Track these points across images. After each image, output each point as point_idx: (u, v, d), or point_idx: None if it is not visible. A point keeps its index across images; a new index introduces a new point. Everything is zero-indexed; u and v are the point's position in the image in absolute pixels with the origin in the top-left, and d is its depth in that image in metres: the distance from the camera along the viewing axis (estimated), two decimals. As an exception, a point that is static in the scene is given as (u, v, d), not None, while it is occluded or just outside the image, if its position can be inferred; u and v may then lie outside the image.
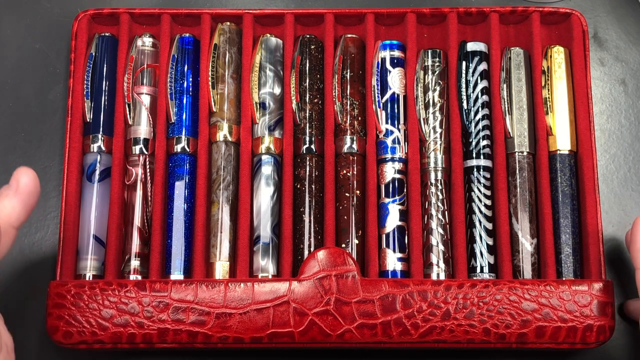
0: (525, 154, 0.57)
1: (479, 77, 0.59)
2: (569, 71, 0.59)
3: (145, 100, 0.58)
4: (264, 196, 0.57)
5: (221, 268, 0.55)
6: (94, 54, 0.59)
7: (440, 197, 0.57)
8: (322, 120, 0.59)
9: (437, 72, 0.59)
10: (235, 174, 0.57)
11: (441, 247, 0.56)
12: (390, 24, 0.61)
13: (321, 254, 0.53)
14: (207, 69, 0.58)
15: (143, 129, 0.58)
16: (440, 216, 0.57)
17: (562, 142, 0.57)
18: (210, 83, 0.58)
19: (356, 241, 0.56)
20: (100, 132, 0.57)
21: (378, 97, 0.58)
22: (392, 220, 0.57)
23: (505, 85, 0.59)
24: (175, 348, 0.53)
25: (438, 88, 0.59)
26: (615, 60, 0.63)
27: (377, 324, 0.52)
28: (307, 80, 0.59)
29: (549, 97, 0.58)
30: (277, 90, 0.59)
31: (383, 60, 0.59)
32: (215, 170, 0.57)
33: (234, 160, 0.58)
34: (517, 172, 0.57)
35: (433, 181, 0.57)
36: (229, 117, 0.58)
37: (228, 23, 0.60)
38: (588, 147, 0.57)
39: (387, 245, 0.56)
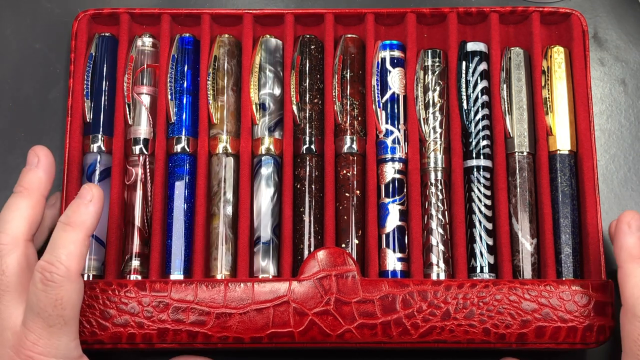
0: (525, 154, 0.57)
1: (479, 77, 0.59)
2: (569, 71, 0.59)
3: (145, 100, 0.58)
4: (264, 197, 0.57)
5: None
6: (94, 54, 0.59)
7: (440, 197, 0.57)
8: (322, 121, 0.59)
9: (437, 72, 0.59)
10: (235, 187, 0.57)
11: (441, 247, 0.56)
12: (390, 24, 0.61)
13: (321, 254, 0.53)
14: (205, 81, 0.58)
15: (143, 129, 0.58)
16: (440, 216, 0.57)
17: (562, 142, 0.57)
18: (211, 95, 0.58)
19: (356, 241, 0.56)
20: (100, 132, 0.58)
21: (378, 97, 0.58)
22: (392, 220, 0.57)
23: (505, 85, 0.59)
24: (175, 348, 0.53)
25: (438, 88, 0.59)
26: (615, 60, 0.63)
27: (377, 324, 0.52)
28: (307, 81, 0.59)
29: (549, 97, 0.58)
30: (277, 91, 0.59)
31: (383, 60, 0.59)
32: (217, 183, 0.57)
33: (234, 173, 0.58)
34: (517, 172, 0.57)
35: (433, 181, 0.57)
36: (229, 130, 0.58)
37: (227, 35, 0.60)
38: (588, 147, 0.57)
39: (387, 245, 0.56)
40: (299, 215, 0.57)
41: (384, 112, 0.59)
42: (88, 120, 0.58)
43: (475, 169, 0.58)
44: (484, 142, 0.58)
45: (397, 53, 0.60)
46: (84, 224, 0.49)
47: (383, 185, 0.58)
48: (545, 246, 0.55)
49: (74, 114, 0.57)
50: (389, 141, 0.58)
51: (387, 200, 0.57)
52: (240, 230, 0.56)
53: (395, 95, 0.59)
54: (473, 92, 0.59)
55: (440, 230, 0.57)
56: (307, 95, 0.59)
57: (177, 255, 0.56)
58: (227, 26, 0.61)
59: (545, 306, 0.52)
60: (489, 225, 0.57)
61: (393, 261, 0.56)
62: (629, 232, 0.49)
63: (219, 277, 0.55)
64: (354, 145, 0.58)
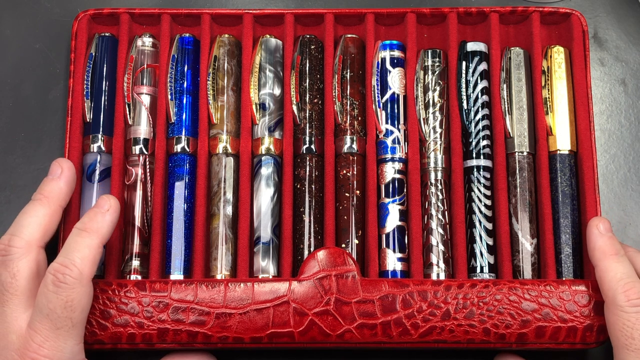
0: (525, 154, 0.57)
1: (479, 77, 0.59)
2: (569, 71, 0.59)
3: (145, 100, 0.58)
4: (264, 197, 0.57)
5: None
6: (94, 54, 0.59)
7: (440, 197, 0.57)
8: (322, 120, 0.59)
9: (437, 72, 0.59)
10: (235, 187, 0.57)
11: (441, 247, 0.56)
12: (390, 24, 0.61)
13: (321, 254, 0.53)
14: (205, 81, 0.58)
15: (143, 129, 0.58)
16: (440, 216, 0.57)
17: (562, 142, 0.57)
18: (211, 95, 0.58)
19: (356, 241, 0.56)
20: (100, 132, 0.58)
21: (378, 97, 0.58)
22: (392, 220, 0.57)
23: (505, 85, 0.59)
24: (175, 348, 0.53)
25: (438, 88, 0.59)
26: (615, 60, 0.63)
27: (377, 324, 0.52)
28: (307, 81, 0.59)
29: (549, 97, 0.58)
30: (277, 91, 0.59)
31: (383, 60, 0.59)
32: (217, 183, 0.57)
33: (234, 173, 0.58)
34: (517, 172, 0.57)
35: (433, 181, 0.57)
36: (229, 130, 0.58)
37: (227, 35, 0.60)
38: (588, 147, 0.57)
39: (387, 245, 0.56)
40: (299, 215, 0.57)
41: (384, 112, 0.59)
42: (88, 120, 0.58)
43: (475, 169, 0.58)
44: (484, 142, 0.58)
45: (397, 53, 0.60)
46: (99, 231, 0.50)
47: (383, 185, 0.58)
48: (545, 246, 0.55)
49: (74, 114, 0.57)
50: (389, 141, 0.58)
51: (387, 200, 0.57)
52: (240, 230, 0.56)
53: (395, 95, 0.59)
54: (473, 92, 0.59)
55: (440, 230, 0.57)
56: (307, 95, 0.59)
57: (177, 255, 0.56)
58: (227, 26, 0.61)
59: (545, 306, 0.52)
60: (489, 225, 0.57)
61: (393, 261, 0.56)
62: (599, 234, 0.53)
63: (219, 277, 0.55)
64: (354, 145, 0.58)
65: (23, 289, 0.49)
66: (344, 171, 0.58)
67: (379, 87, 0.59)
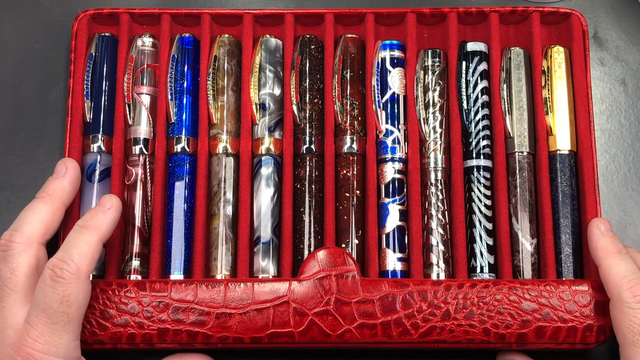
0: (525, 154, 0.57)
1: (479, 77, 0.59)
2: (569, 71, 0.59)
3: (145, 100, 0.58)
4: (264, 197, 0.57)
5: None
6: (94, 54, 0.59)
7: (440, 197, 0.57)
8: (322, 120, 0.59)
9: (437, 72, 0.59)
10: (235, 187, 0.57)
11: (441, 247, 0.56)
12: (390, 24, 0.61)
13: (321, 254, 0.53)
14: (205, 81, 0.58)
15: (143, 129, 0.58)
16: (440, 216, 0.57)
17: (562, 142, 0.57)
18: (211, 95, 0.58)
19: (356, 241, 0.56)
20: (100, 132, 0.58)
21: (378, 97, 0.58)
22: (392, 220, 0.57)
23: (505, 85, 0.59)
24: (175, 348, 0.53)
25: (438, 88, 0.59)
26: (615, 60, 0.63)
27: (377, 324, 0.52)
28: (307, 80, 0.59)
29: (549, 97, 0.58)
30: (277, 91, 0.59)
31: (383, 60, 0.60)
32: (217, 183, 0.57)
33: (234, 173, 0.58)
34: (517, 172, 0.57)
35: (433, 181, 0.57)
36: (229, 130, 0.58)
37: (227, 35, 0.60)
38: (588, 147, 0.57)
39: (387, 245, 0.56)
40: (299, 215, 0.57)
41: (384, 112, 0.59)
42: (88, 120, 0.58)
43: (475, 169, 0.58)
44: (484, 142, 0.58)
45: (397, 53, 0.60)
46: (100, 228, 0.50)
47: (383, 185, 0.58)
48: (545, 246, 0.55)
49: (74, 114, 0.57)
50: (389, 141, 0.58)
51: (387, 200, 0.57)
52: (240, 230, 0.56)
53: (395, 95, 0.59)
54: (473, 92, 0.59)
55: (440, 230, 0.57)
56: (307, 95, 0.59)
57: (177, 255, 0.56)
58: (227, 26, 0.61)
59: (545, 306, 0.52)
60: (489, 225, 0.57)
61: (393, 261, 0.56)
62: (600, 234, 0.53)
63: (219, 277, 0.55)
64: (354, 145, 0.58)
65: (22, 285, 0.49)
66: (344, 171, 0.58)
67: (379, 87, 0.59)
